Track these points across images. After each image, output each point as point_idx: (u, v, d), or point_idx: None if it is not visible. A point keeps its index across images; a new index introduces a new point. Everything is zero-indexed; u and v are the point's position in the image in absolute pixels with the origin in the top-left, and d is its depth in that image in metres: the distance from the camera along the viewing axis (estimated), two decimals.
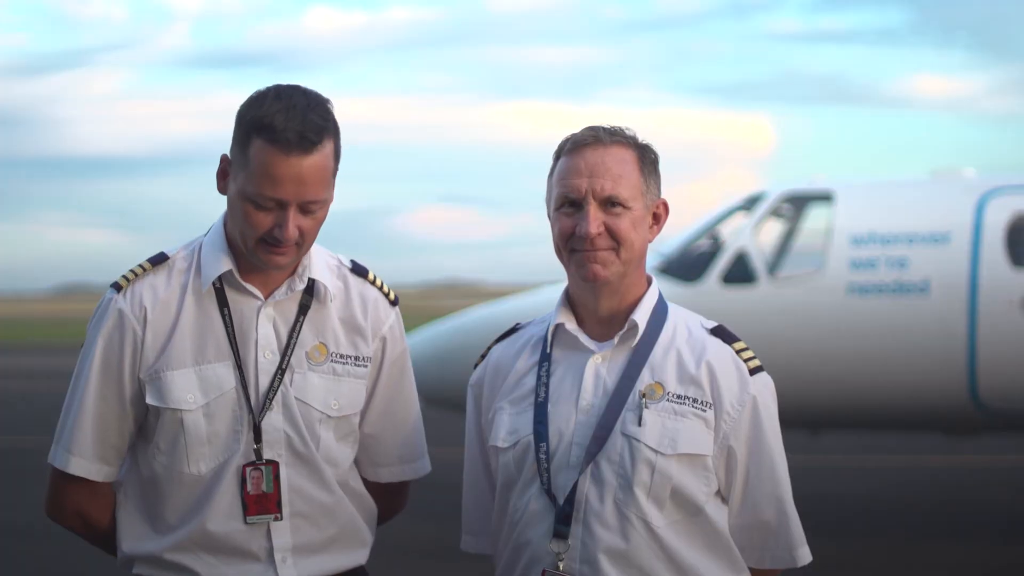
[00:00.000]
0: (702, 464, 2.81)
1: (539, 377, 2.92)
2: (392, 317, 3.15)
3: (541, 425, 2.87)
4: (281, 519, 2.99)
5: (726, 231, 10.96)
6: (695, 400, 2.82)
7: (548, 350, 2.94)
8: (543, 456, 2.85)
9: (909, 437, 13.04)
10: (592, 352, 2.89)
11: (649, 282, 2.95)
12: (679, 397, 2.82)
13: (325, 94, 2.97)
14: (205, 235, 3.10)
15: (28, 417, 19.92)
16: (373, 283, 3.15)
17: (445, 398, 11.59)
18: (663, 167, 2.95)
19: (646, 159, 2.90)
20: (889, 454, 14.46)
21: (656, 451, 2.79)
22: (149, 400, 2.98)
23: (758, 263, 10.63)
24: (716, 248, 10.79)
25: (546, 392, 2.90)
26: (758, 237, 10.85)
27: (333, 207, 3.02)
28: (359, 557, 3.14)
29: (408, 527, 11.05)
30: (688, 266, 10.74)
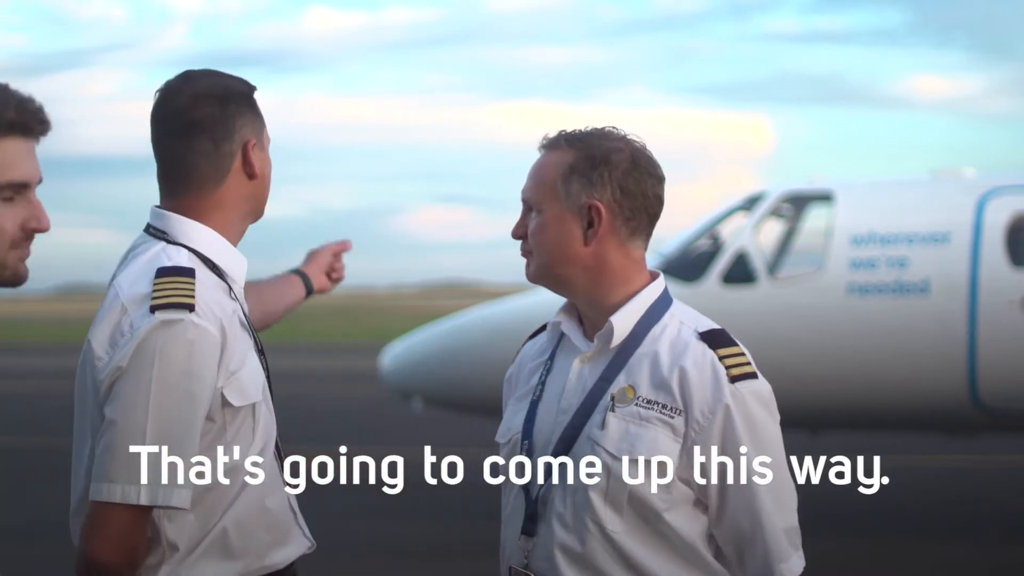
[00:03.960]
0: (662, 471, 2.76)
1: (540, 375, 2.94)
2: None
3: (529, 423, 2.89)
4: None
5: (726, 231, 10.97)
6: (664, 406, 2.77)
7: (554, 349, 2.96)
8: (523, 454, 2.88)
9: (909, 437, 13.04)
10: (581, 352, 2.90)
11: (646, 283, 2.90)
12: (649, 402, 2.78)
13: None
14: (164, 246, 2.95)
15: (28, 417, 19.92)
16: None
17: (445, 398, 11.60)
18: (663, 167, 2.92)
19: (580, 164, 2.84)
20: (889, 454, 14.45)
21: (614, 456, 2.76)
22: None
23: (758, 263, 10.63)
24: (716, 248, 10.80)
25: (541, 391, 2.92)
26: (758, 237, 10.86)
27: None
28: None
29: (408, 527, 11.07)
30: (688, 266, 10.75)
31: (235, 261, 3.00)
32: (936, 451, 13.98)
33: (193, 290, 2.84)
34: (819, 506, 11.21)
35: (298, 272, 3.94)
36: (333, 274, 4.03)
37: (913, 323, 10.20)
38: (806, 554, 2.85)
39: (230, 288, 2.97)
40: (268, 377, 3.01)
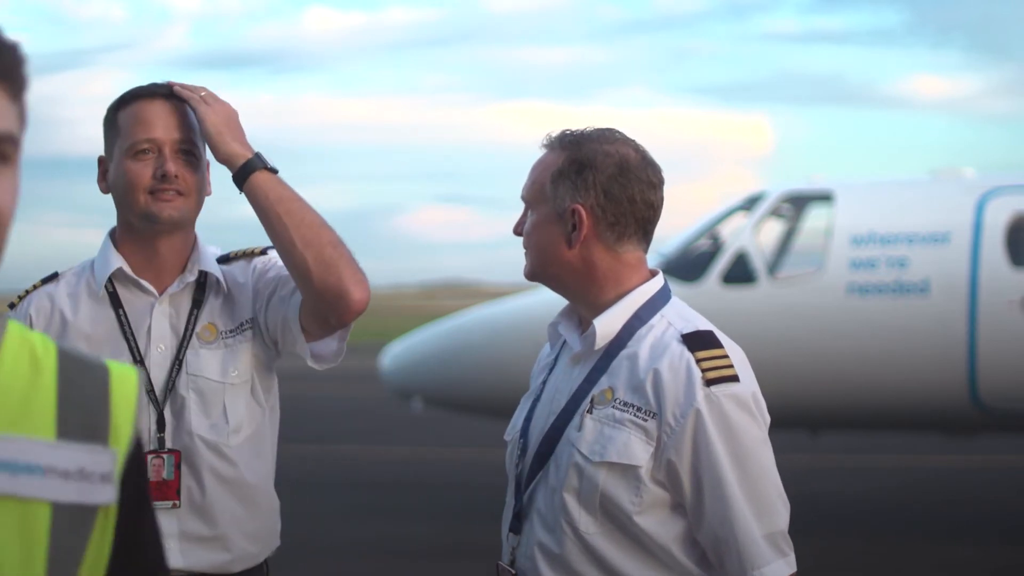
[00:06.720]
0: (633, 474, 2.73)
1: (545, 375, 2.96)
2: (258, 261, 3.26)
3: (527, 422, 2.91)
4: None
5: (726, 231, 10.96)
6: (639, 408, 2.74)
7: (559, 350, 2.97)
8: (519, 452, 2.90)
9: (909, 437, 13.03)
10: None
11: (640, 284, 2.86)
12: (625, 404, 2.75)
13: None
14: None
15: None
16: (231, 259, 3.26)
17: (445, 398, 11.59)
18: (662, 168, 2.91)
19: (569, 166, 2.83)
20: (889, 454, 14.46)
21: (586, 458, 2.75)
22: None
23: (758, 263, 10.63)
24: (716, 248, 10.80)
25: (542, 390, 2.93)
26: (758, 237, 10.86)
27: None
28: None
29: (408, 527, 11.07)
30: (688, 266, 10.75)
31: (101, 266, 3.18)
32: (936, 451, 13.97)
33: (28, 291, 3.18)
34: (819, 506, 11.23)
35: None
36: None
37: (913, 323, 10.19)
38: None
39: (110, 295, 3.14)
40: (172, 382, 3.11)
